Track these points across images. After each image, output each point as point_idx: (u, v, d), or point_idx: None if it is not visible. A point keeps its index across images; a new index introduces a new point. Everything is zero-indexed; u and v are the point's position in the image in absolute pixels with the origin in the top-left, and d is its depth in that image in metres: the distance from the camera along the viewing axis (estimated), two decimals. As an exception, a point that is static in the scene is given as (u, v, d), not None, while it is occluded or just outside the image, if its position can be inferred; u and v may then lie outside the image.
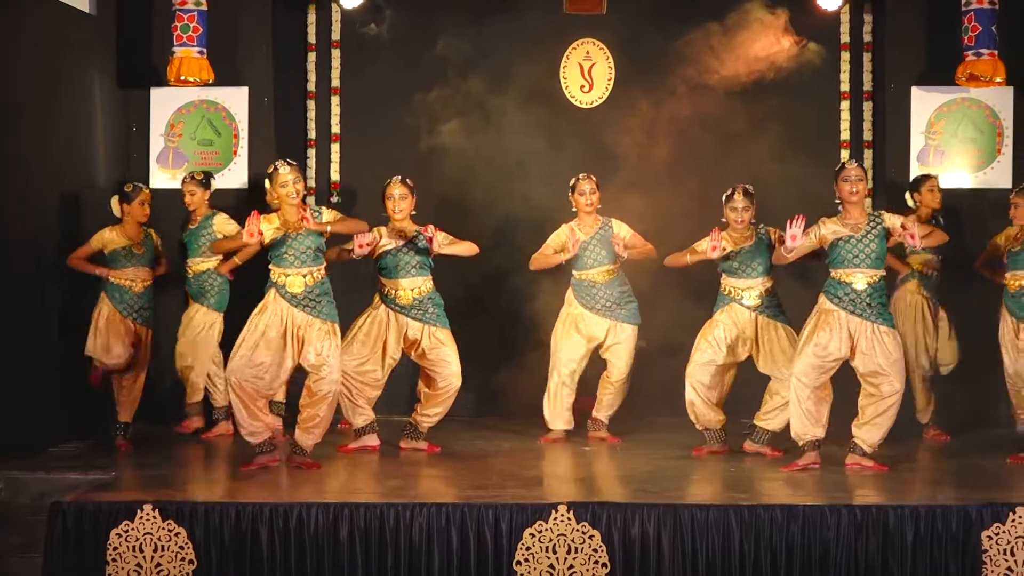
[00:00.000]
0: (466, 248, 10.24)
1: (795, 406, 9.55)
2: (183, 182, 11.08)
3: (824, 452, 9.59)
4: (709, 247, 9.94)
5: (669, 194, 11.70)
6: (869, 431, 9.48)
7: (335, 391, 9.48)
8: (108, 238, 10.29)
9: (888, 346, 9.37)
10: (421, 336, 10.19)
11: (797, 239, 9.25)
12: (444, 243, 10.07)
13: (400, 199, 10.15)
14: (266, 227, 9.26)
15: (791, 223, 9.25)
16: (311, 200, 11.97)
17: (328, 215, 9.44)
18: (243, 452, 9.58)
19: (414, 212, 10.22)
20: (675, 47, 11.92)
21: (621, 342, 10.70)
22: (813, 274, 10.10)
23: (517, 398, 11.77)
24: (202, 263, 10.88)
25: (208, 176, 11.14)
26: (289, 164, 9.40)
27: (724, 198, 10.16)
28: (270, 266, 9.39)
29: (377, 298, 10.29)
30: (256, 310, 9.35)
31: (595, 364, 10.94)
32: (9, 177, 9.92)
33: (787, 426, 9.85)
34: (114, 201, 10.37)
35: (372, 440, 10.31)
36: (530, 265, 10.80)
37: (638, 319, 10.75)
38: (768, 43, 11.67)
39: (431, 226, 10.01)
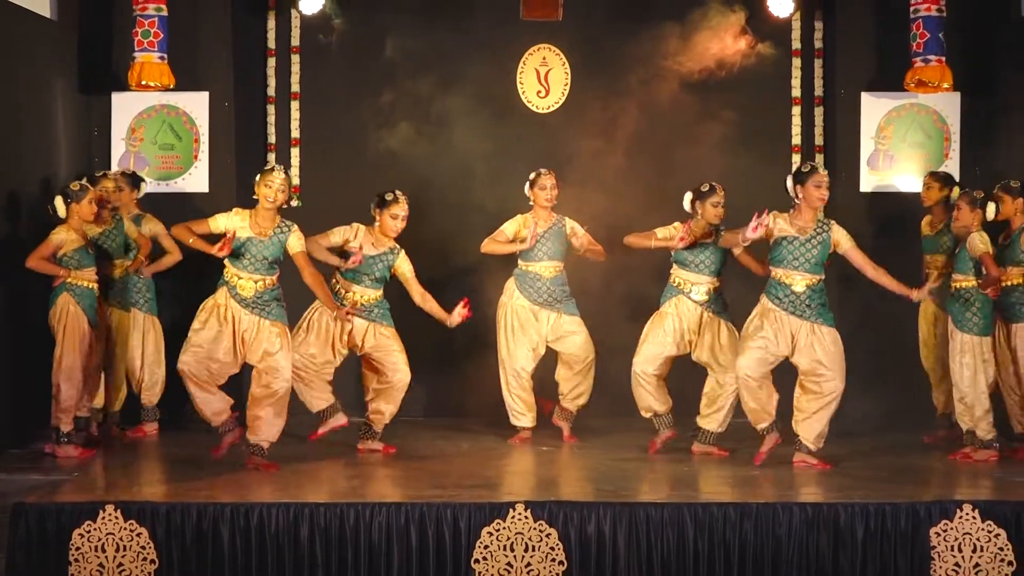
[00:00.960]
0: (435, 308, 10.32)
1: (746, 399, 9.64)
2: (113, 178, 10.83)
3: (776, 452, 9.71)
4: (677, 237, 10.04)
5: (626, 194, 11.70)
6: (809, 426, 9.55)
7: (286, 388, 9.47)
8: (65, 238, 9.92)
9: (827, 344, 9.47)
10: (366, 334, 10.21)
11: (759, 231, 9.35)
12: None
13: (403, 220, 10.19)
14: (236, 221, 9.36)
15: (759, 215, 9.34)
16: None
17: (295, 238, 9.49)
18: (203, 449, 9.55)
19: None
20: (630, 51, 12.02)
21: (569, 331, 10.74)
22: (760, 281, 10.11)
23: (472, 397, 11.81)
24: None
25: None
26: (285, 172, 9.53)
27: (700, 192, 10.18)
28: (225, 263, 9.41)
29: None
30: (207, 304, 9.43)
31: (546, 366, 11.00)
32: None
33: (727, 425, 10.06)
34: (58, 201, 9.93)
35: (339, 419, 10.28)
36: (481, 248, 10.84)
37: (578, 312, 10.81)
38: (725, 44, 11.78)
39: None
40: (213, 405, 9.44)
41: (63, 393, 9.87)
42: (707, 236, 10.18)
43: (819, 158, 12.05)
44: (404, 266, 10.26)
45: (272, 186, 9.38)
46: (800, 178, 9.58)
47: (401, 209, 10.18)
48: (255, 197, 9.46)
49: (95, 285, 10.08)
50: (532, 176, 10.76)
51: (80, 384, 9.95)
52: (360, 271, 10.13)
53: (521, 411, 10.84)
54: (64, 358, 9.88)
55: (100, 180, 10.66)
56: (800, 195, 9.54)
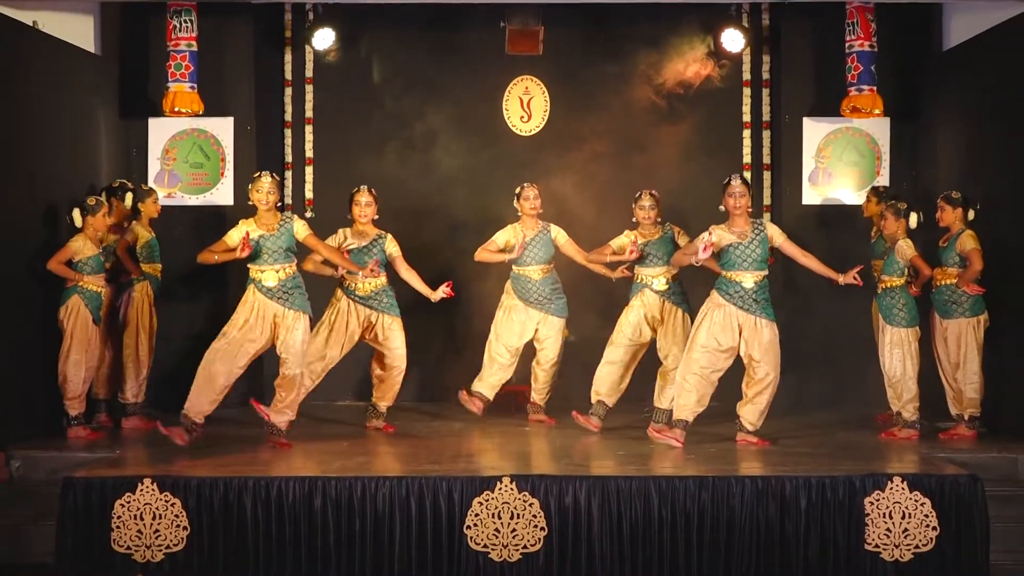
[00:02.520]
0: (417, 283, 10.28)
1: (679, 385, 9.57)
2: (154, 192, 10.84)
3: (727, 432, 9.73)
4: (628, 251, 10.16)
5: (599, 202, 11.86)
6: (749, 410, 9.58)
7: (299, 374, 9.49)
8: (81, 247, 9.81)
9: (765, 337, 9.46)
10: (376, 322, 10.22)
11: (709, 251, 9.37)
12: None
13: (366, 205, 10.23)
14: (251, 229, 9.36)
15: (706, 241, 9.36)
16: (294, 216, 11.94)
17: (300, 225, 9.52)
18: (229, 429, 9.51)
19: (376, 217, 10.27)
20: (602, 81, 12.16)
21: (550, 335, 10.71)
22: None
23: (464, 384, 11.71)
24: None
25: None
26: (271, 176, 9.52)
27: (634, 200, 10.33)
28: (248, 265, 9.42)
29: (339, 291, 10.29)
30: (240, 304, 9.41)
31: (525, 359, 10.99)
32: (20, 194, 9.85)
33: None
34: (75, 213, 9.85)
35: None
36: (475, 256, 10.81)
37: (566, 312, 10.77)
38: (687, 74, 12.00)
39: (370, 268, 10.01)
40: (202, 402, 9.32)
41: (69, 383, 9.80)
42: (655, 234, 10.25)
43: (767, 175, 12.09)
44: (391, 247, 10.28)
45: (263, 190, 9.42)
46: (723, 190, 9.62)
47: (362, 196, 10.25)
48: (251, 204, 9.50)
49: (103, 289, 9.99)
50: (517, 190, 10.75)
51: (84, 374, 9.85)
52: (359, 263, 10.11)
53: (486, 378, 10.76)
54: (71, 352, 9.78)
55: (149, 194, 10.70)
56: (725, 205, 9.58)
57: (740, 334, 9.48)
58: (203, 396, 9.34)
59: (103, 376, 10.41)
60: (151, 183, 11.59)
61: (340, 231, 10.26)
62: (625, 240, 10.33)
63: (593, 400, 10.36)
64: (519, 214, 10.74)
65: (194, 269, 10.47)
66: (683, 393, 9.56)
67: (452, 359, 11.99)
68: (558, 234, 10.73)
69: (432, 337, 11.84)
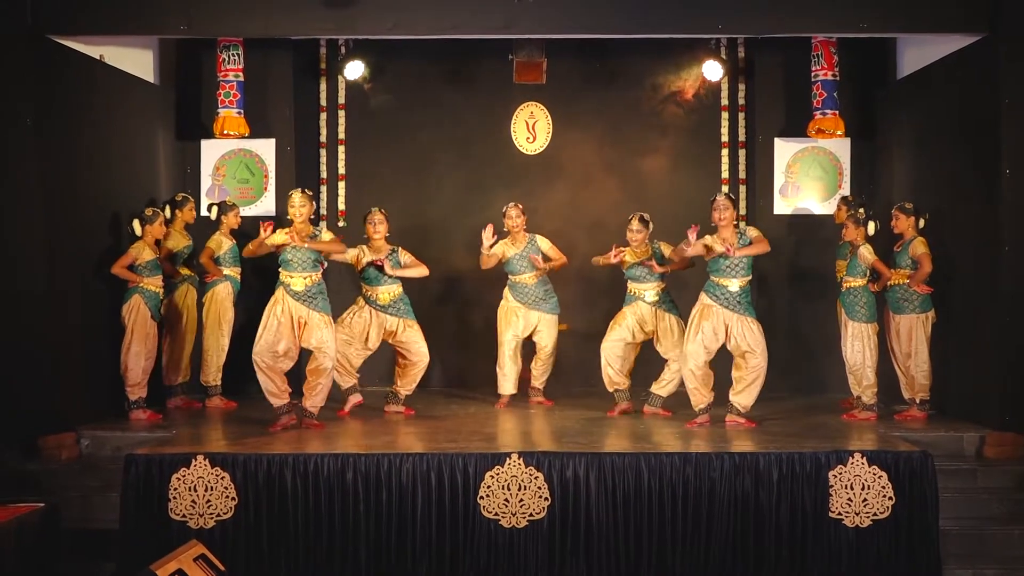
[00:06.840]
0: (417, 272, 10.15)
1: (689, 383, 9.58)
2: (236, 207, 10.84)
3: (710, 412, 9.66)
4: (613, 256, 10.01)
5: (594, 210, 11.94)
6: (743, 396, 9.52)
7: (332, 366, 9.45)
8: (140, 252, 9.83)
9: (754, 332, 9.43)
10: (397, 327, 10.16)
11: (694, 236, 9.41)
12: (396, 267, 10.04)
13: (378, 224, 10.14)
14: (281, 236, 9.29)
15: (691, 233, 9.43)
16: (323, 224, 11.92)
17: (326, 235, 9.46)
18: (267, 418, 9.48)
19: (388, 234, 10.20)
20: (597, 106, 12.15)
21: (546, 329, 10.69)
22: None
23: (477, 373, 11.80)
24: None
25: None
26: (302, 193, 9.45)
27: (628, 222, 10.20)
28: (279, 270, 9.37)
29: (361, 300, 10.24)
30: (269, 304, 9.33)
31: (529, 347, 10.94)
32: (89, 207, 9.88)
33: (675, 392, 10.00)
34: (136, 223, 9.88)
35: (356, 397, 10.27)
36: (482, 265, 10.70)
37: (558, 310, 10.74)
38: (675, 97, 11.92)
39: (383, 258, 10.02)
40: (274, 390, 9.31)
41: (130, 372, 9.81)
42: (644, 252, 10.14)
43: (743, 188, 12.05)
44: (405, 257, 10.14)
45: (294, 205, 9.36)
46: (710, 206, 9.59)
47: (372, 218, 10.15)
48: (288, 217, 9.45)
49: (160, 290, 9.97)
50: (503, 209, 10.70)
51: (143, 364, 9.83)
52: (379, 275, 10.07)
53: (505, 379, 10.76)
54: (132, 345, 9.79)
55: (231, 208, 10.73)
56: (712, 219, 9.55)
57: (727, 331, 9.46)
58: (275, 389, 9.33)
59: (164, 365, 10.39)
60: (203, 197, 11.61)
61: (359, 248, 10.17)
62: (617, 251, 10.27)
63: (611, 390, 10.26)
64: (504, 230, 10.71)
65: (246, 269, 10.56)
66: (689, 388, 9.63)
67: (467, 351, 11.98)
68: (542, 242, 10.68)
69: (450, 332, 11.82)
